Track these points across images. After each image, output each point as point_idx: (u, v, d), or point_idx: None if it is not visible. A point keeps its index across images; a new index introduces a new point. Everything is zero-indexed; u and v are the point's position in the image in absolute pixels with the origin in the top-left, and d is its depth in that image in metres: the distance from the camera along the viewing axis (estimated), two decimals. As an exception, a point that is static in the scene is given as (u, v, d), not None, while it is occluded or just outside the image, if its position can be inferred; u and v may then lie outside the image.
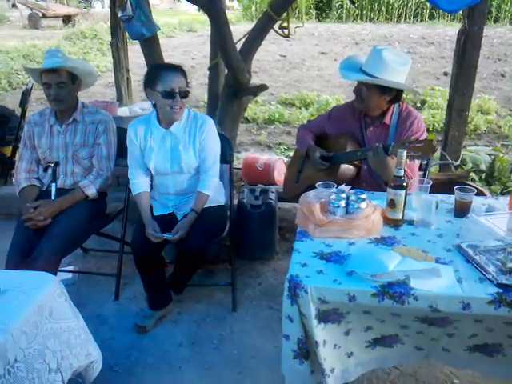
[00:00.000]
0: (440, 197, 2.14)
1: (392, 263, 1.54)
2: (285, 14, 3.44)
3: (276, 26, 3.52)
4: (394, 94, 2.36)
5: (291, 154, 5.20)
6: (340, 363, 1.69)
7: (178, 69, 2.37)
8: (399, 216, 1.89)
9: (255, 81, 3.78)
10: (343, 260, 1.65)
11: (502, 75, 8.46)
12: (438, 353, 1.74)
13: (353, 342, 1.68)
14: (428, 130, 5.42)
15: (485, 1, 3.15)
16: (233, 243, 2.77)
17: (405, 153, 1.87)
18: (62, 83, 2.50)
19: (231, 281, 2.72)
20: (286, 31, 3.56)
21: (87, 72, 2.65)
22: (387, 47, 2.36)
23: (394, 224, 1.90)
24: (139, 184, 2.56)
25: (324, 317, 1.57)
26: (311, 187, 2.12)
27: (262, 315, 2.63)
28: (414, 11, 16.00)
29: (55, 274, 2.22)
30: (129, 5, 3.33)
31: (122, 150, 2.72)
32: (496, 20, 14.84)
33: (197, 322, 2.58)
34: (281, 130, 6.16)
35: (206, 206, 2.52)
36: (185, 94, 2.34)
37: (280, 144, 5.64)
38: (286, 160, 4.34)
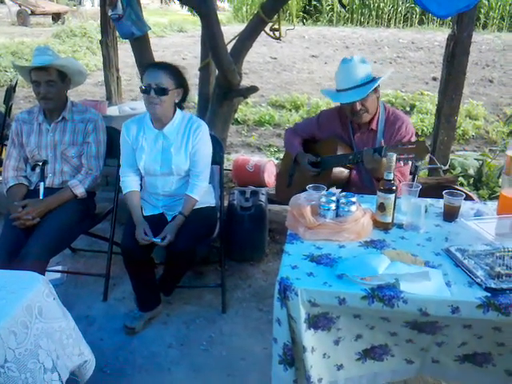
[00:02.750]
0: (429, 201, 2.16)
1: (382, 266, 1.55)
2: (276, 17, 3.45)
3: (267, 28, 3.52)
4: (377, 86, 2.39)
5: (281, 156, 5.19)
6: (329, 374, 1.68)
7: (161, 66, 2.38)
8: (389, 219, 1.90)
9: (246, 82, 3.79)
10: (333, 263, 1.65)
11: (490, 81, 8.57)
12: (428, 365, 1.73)
13: (343, 353, 1.67)
14: (417, 135, 5.47)
15: (474, 7, 3.18)
16: (223, 245, 2.76)
17: (395, 156, 1.88)
18: (51, 81, 2.47)
19: (221, 282, 2.72)
20: (277, 33, 3.56)
21: (76, 70, 2.62)
22: (342, 60, 2.41)
23: (384, 227, 1.91)
24: (130, 182, 2.54)
25: (314, 322, 1.56)
26: (303, 191, 2.13)
27: (252, 317, 2.63)
28: (404, 16, 16.14)
29: (43, 274, 2.20)
30: (119, 3, 3.30)
31: (111, 150, 2.71)
32: (484, 27, 15.05)
33: (186, 324, 2.57)
34: (271, 132, 6.17)
35: (196, 207, 2.51)
36: (160, 91, 2.31)
37: (270, 146, 5.64)
38: (276, 162, 4.35)
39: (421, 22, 15.86)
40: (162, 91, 2.32)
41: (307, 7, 16.34)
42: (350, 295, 1.49)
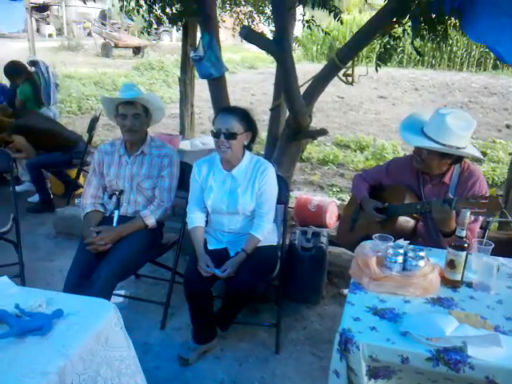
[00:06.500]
0: (501, 260, 2.07)
1: (449, 328, 1.50)
2: (350, 63, 3.51)
3: (340, 74, 3.59)
4: (456, 158, 2.34)
5: (343, 196, 5.19)
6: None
7: (232, 111, 2.47)
8: (458, 277, 1.84)
9: (312, 121, 3.84)
10: (398, 318, 1.62)
11: None
12: None
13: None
14: (488, 184, 5.26)
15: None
16: (281, 284, 2.77)
17: (468, 213, 1.84)
18: (137, 114, 2.65)
19: (276, 322, 2.71)
20: (349, 79, 3.61)
21: (158, 106, 2.79)
22: (451, 111, 2.31)
23: (453, 285, 1.84)
24: (196, 219, 2.64)
25: (374, 373, 1.53)
26: (366, 237, 2.11)
27: (305, 361, 2.59)
28: (477, 60, 15.76)
29: (110, 297, 2.31)
30: (201, 46, 3.51)
31: (181, 182, 2.82)
32: None
33: (239, 361, 2.57)
34: (334, 172, 6.17)
35: (258, 245, 2.55)
36: (229, 136, 2.40)
37: (333, 185, 5.64)
38: (338, 203, 4.33)
39: (495, 67, 15.40)
40: (232, 136, 2.41)
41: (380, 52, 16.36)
42: (414, 355, 1.45)
